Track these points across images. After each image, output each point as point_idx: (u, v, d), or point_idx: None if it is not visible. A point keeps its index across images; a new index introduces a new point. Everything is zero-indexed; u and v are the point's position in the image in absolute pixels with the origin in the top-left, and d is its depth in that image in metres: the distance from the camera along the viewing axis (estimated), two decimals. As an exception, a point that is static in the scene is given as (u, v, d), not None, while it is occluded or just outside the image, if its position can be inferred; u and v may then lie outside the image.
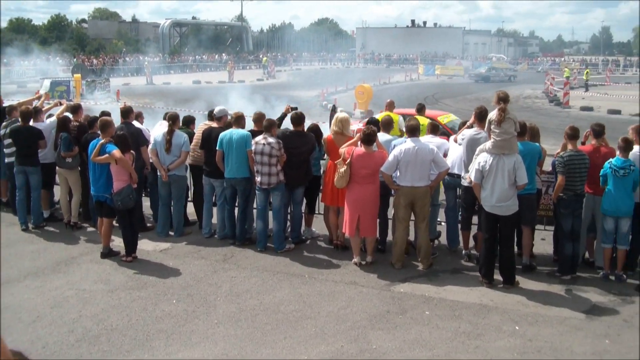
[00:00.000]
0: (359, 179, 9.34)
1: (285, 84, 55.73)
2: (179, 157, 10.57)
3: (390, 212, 10.04)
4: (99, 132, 9.90)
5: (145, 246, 10.31)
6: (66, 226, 11.32)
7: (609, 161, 8.85)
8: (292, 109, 10.71)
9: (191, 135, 11.12)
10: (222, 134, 10.23)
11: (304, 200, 10.69)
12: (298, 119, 10.22)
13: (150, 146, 10.76)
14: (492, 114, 8.53)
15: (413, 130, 9.30)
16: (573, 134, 9.06)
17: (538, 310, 8.03)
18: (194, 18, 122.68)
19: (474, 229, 9.91)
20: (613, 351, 6.99)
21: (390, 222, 10.19)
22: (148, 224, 11.36)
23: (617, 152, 8.89)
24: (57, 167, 11.29)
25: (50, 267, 9.42)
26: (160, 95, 41.97)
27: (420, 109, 12.71)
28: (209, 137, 10.52)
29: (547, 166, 10.01)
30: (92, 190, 9.88)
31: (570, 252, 9.05)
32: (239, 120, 10.36)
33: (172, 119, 10.66)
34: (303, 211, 10.77)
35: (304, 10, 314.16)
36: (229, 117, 10.79)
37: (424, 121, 11.23)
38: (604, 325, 7.59)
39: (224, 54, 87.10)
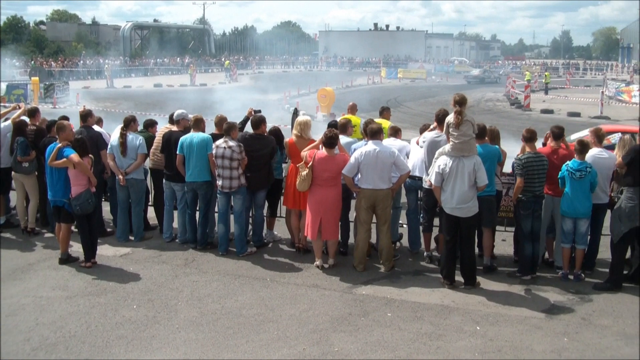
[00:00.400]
0: (321, 181, 9.33)
1: (247, 87, 55.59)
2: (136, 160, 10.46)
3: (352, 214, 10.05)
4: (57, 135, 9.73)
5: (105, 251, 10.18)
6: (23, 232, 11.10)
7: (566, 164, 8.97)
8: (255, 112, 10.64)
9: (152, 139, 11.02)
10: (182, 138, 10.15)
11: (266, 204, 10.65)
12: (257, 122, 10.17)
13: (107, 150, 10.62)
14: (450, 118, 8.60)
15: (374, 133, 9.32)
16: (530, 137, 9.18)
17: (499, 310, 8.11)
18: (155, 21, 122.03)
19: (435, 231, 9.94)
20: (571, 349, 7.08)
21: (352, 225, 10.19)
22: (108, 229, 11.22)
23: (575, 155, 9.02)
24: (13, 172, 11.06)
25: (6, 274, 9.22)
26: (121, 98, 41.55)
27: (382, 112, 12.73)
28: (169, 140, 10.43)
29: (507, 168, 10.13)
30: (50, 195, 9.71)
31: (530, 252, 9.16)
32: (198, 124, 10.27)
33: (125, 122, 10.54)
34: (265, 214, 10.73)
35: (266, 14, 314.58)
36: (189, 121, 10.68)
37: (386, 124, 11.27)
38: (562, 324, 7.70)
39: (185, 57, 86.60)
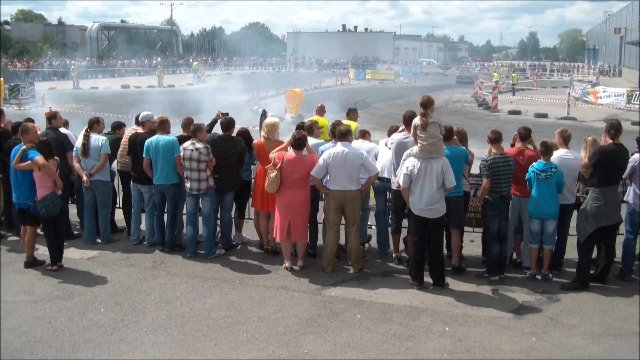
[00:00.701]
0: (290, 183, 9.33)
1: (215, 88, 55.36)
2: (100, 161, 10.35)
3: (321, 216, 10.06)
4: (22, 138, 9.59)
5: (72, 254, 10.05)
6: (-12, 236, 10.92)
7: (532, 165, 9.07)
8: (223, 114, 10.60)
9: (119, 140, 10.94)
10: (147, 141, 10.07)
11: (234, 206, 10.61)
12: (227, 124, 10.15)
13: (73, 152, 10.50)
14: (416, 120, 8.65)
15: (343, 135, 9.34)
16: (495, 138, 9.22)
17: (467, 310, 8.16)
18: (122, 22, 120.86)
19: (404, 232, 9.99)
20: (539, 348, 7.15)
21: (320, 227, 10.20)
22: (75, 232, 11.08)
23: (540, 156, 9.12)
24: (-23, 175, 10.87)
25: (-29, 278, 9.06)
26: (88, 100, 41.09)
27: (349, 113, 12.74)
28: (135, 142, 10.35)
29: (475, 169, 10.22)
30: (14, 197, 9.56)
31: (498, 253, 9.23)
32: (163, 125, 10.18)
33: (89, 123, 10.47)
34: (233, 216, 10.68)
35: (235, 15, 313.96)
36: (154, 122, 10.57)
37: (353, 125, 11.29)
38: (530, 324, 7.77)
39: (153, 58, 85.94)
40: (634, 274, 9.38)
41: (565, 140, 9.42)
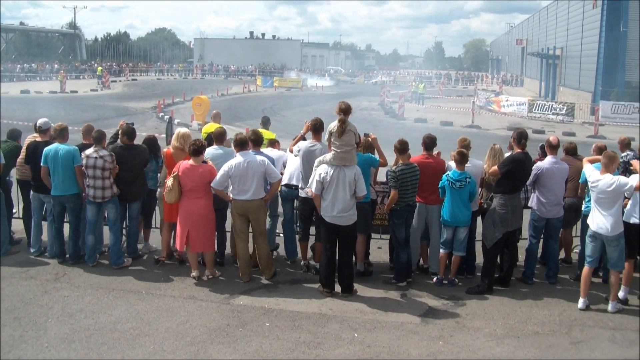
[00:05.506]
0: (187, 192, 9.17)
1: (120, 94, 54.25)
2: None
3: (229, 225, 9.98)
4: None
5: (-34, 268, 9.59)
6: None
7: (446, 174, 9.25)
8: (128, 124, 10.34)
9: (19, 149, 10.53)
10: (46, 150, 9.74)
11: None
12: (129, 133, 9.93)
13: None
14: (333, 126, 8.69)
15: (242, 144, 9.27)
16: (402, 148, 9.29)
17: (376, 316, 8.27)
18: (21, 24, 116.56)
19: (312, 240, 10.03)
20: (446, 352, 7.33)
21: (228, 235, 10.12)
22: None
23: (454, 165, 9.31)
24: None
25: None
26: (-16, 105, 39.35)
27: (265, 122, 12.65)
28: (35, 151, 9.99)
29: (381, 176, 10.35)
30: None
31: (406, 259, 9.39)
32: (62, 133, 9.84)
33: None
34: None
35: (140, 20, 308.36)
36: (53, 130, 10.21)
37: (268, 135, 11.25)
38: (437, 328, 7.94)
39: (55, 63, 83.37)
40: (535, 277, 9.75)
41: (466, 148, 9.61)
